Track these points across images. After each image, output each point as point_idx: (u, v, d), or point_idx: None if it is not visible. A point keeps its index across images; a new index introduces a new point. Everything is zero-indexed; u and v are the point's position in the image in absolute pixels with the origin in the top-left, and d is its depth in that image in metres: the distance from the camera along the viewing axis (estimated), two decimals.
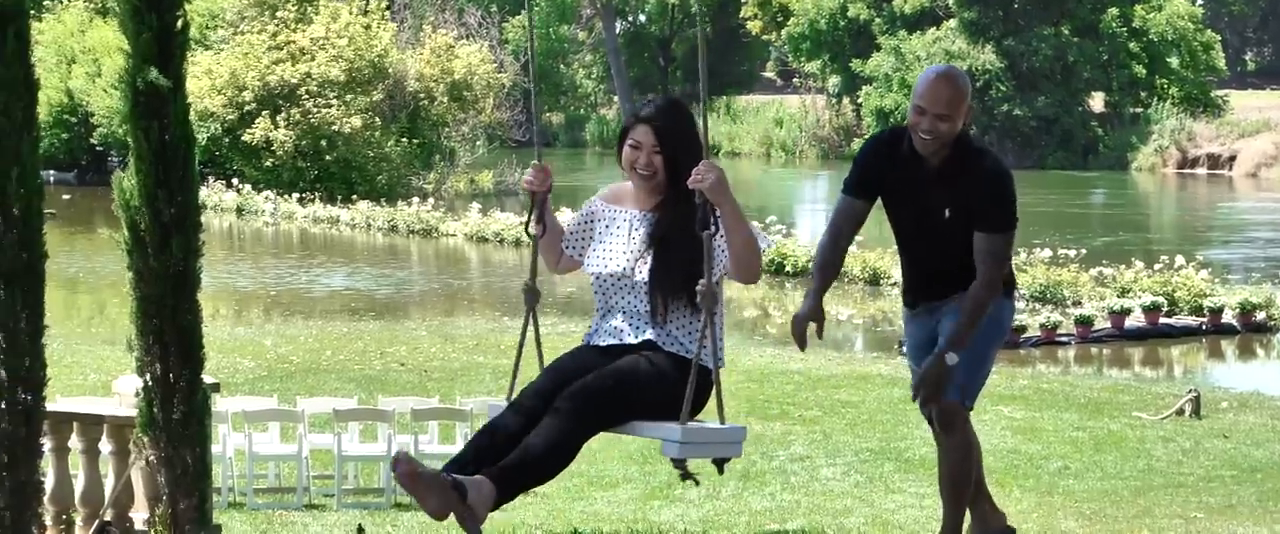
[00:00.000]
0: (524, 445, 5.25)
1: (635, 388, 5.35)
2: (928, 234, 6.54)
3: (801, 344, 6.45)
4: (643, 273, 5.52)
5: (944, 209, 6.40)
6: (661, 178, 5.53)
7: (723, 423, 5.46)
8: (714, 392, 5.40)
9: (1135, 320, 19.11)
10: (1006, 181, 6.46)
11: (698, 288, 5.29)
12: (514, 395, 5.52)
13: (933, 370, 6.42)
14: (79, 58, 44.06)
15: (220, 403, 9.60)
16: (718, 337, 5.34)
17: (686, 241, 5.36)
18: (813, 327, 6.42)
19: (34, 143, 6.57)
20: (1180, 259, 21.27)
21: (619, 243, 5.62)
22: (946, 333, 6.45)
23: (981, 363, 6.59)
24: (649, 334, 5.49)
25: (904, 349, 6.91)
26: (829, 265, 6.63)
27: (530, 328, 5.75)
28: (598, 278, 5.63)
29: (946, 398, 6.45)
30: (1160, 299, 19.43)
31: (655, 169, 5.51)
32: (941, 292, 6.60)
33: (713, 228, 5.23)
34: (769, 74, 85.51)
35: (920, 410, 6.73)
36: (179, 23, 6.83)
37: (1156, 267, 21.19)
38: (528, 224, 5.72)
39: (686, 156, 5.44)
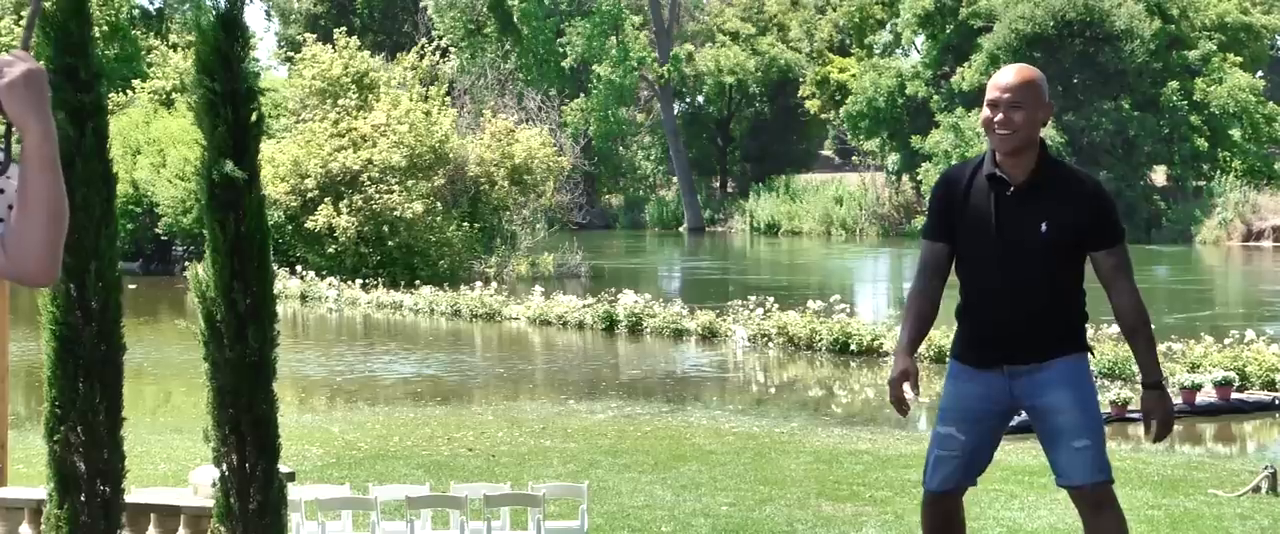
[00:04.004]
0: None
1: None
2: (1017, 261, 5.88)
3: (902, 408, 5.90)
4: None
5: (1040, 224, 5.86)
6: None
7: None
8: None
9: (1206, 396, 18.91)
10: (1105, 190, 6.19)
11: None
12: None
13: (1160, 407, 6.03)
14: (144, 149, 44.56)
15: (293, 491, 9.60)
16: None
17: None
18: (907, 387, 5.88)
19: (112, 237, 6.66)
20: (1250, 333, 21.06)
21: None
22: (1064, 405, 5.94)
23: (1102, 428, 6.19)
24: None
25: (942, 413, 6.07)
26: (921, 313, 6.03)
27: None
28: None
29: (1095, 479, 5.93)
30: (1231, 374, 19.24)
31: None
32: (1027, 349, 5.95)
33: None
34: (827, 152, 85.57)
35: (1068, 491, 6.06)
36: (253, 116, 6.92)
37: (1226, 341, 20.98)
38: None
39: None
